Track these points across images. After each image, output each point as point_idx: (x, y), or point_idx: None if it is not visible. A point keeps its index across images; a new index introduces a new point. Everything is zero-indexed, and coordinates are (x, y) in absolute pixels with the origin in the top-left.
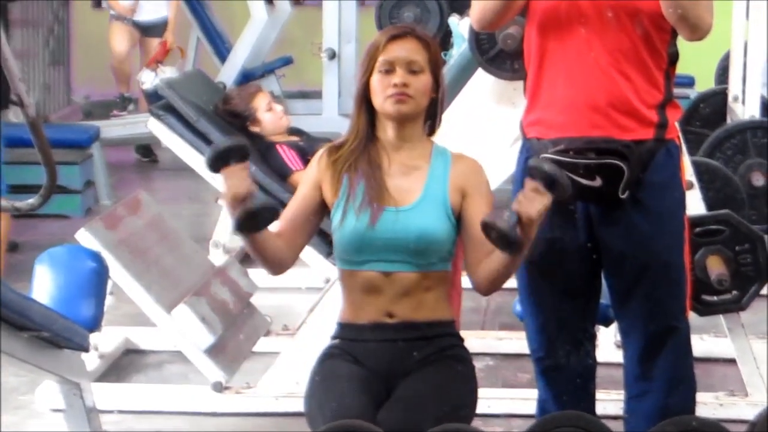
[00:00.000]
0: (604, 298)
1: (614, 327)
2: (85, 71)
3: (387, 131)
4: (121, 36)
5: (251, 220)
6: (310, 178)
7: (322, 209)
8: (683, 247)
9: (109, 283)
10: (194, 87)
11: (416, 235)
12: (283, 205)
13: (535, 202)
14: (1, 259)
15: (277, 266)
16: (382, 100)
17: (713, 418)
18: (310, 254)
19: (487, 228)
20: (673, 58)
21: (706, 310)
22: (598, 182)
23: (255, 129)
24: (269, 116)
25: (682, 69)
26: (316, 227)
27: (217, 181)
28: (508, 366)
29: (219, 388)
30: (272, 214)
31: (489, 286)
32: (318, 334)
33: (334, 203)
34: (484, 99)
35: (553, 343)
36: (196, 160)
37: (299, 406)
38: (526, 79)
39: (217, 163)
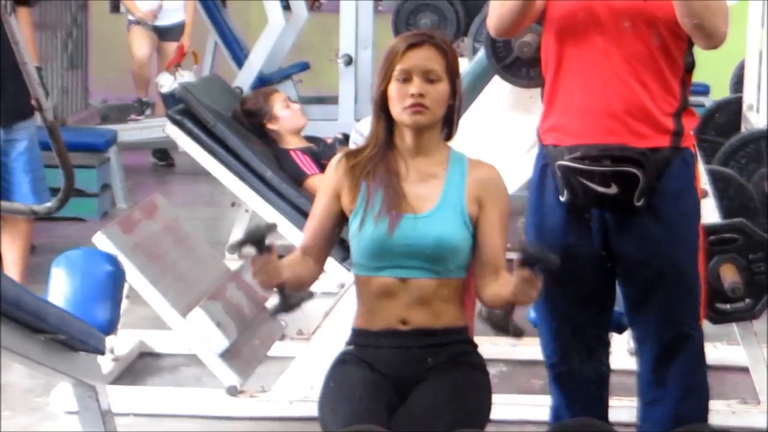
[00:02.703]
0: (618, 305)
1: (628, 334)
2: (102, 75)
3: (405, 139)
4: (142, 41)
5: (289, 310)
6: (328, 186)
7: (342, 218)
8: (698, 255)
9: (125, 287)
10: (212, 92)
11: (433, 242)
12: (298, 209)
13: (531, 292)
14: (23, 263)
15: (307, 284)
16: (399, 110)
17: (725, 426)
18: None
19: (484, 321)
20: (689, 66)
21: (719, 318)
22: (613, 189)
23: (273, 126)
24: (287, 113)
25: (697, 77)
26: (338, 236)
27: (235, 186)
28: (522, 372)
29: (234, 391)
30: (308, 298)
31: (492, 306)
32: (332, 339)
33: (352, 210)
34: (500, 106)
35: (566, 350)
36: (212, 164)
37: (313, 410)
38: (544, 86)
39: (242, 249)
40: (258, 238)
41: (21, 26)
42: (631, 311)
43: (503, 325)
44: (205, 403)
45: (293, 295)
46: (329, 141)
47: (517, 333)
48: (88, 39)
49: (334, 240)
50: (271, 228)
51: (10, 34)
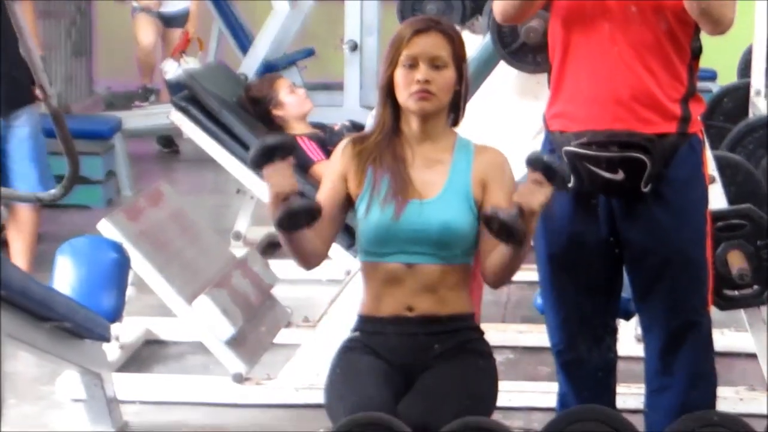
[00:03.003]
0: (626, 292)
1: (635, 321)
2: (107, 62)
3: (411, 125)
4: (147, 28)
5: (293, 219)
6: (335, 170)
7: (348, 203)
8: (705, 241)
9: (131, 274)
10: (217, 79)
11: (439, 227)
12: (303, 196)
13: (536, 194)
14: (31, 253)
15: (310, 261)
16: (405, 97)
17: (733, 412)
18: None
19: (490, 220)
20: (697, 52)
21: (727, 304)
22: (620, 176)
23: (278, 112)
24: (292, 98)
25: (704, 63)
26: (344, 219)
27: (240, 173)
28: (529, 359)
29: (239, 379)
30: (314, 213)
31: (496, 279)
32: (338, 326)
33: (358, 195)
34: (506, 92)
35: (574, 337)
36: (217, 151)
37: (319, 398)
38: (550, 71)
39: (261, 161)
40: (277, 147)
41: (23, 14)
42: (638, 298)
43: (510, 223)
44: (211, 390)
45: (301, 207)
46: (336, 128)
47: (518, 232)
48: (92, 26)
49: (338, 224)
50: (292, 143)
51: (13, 21)
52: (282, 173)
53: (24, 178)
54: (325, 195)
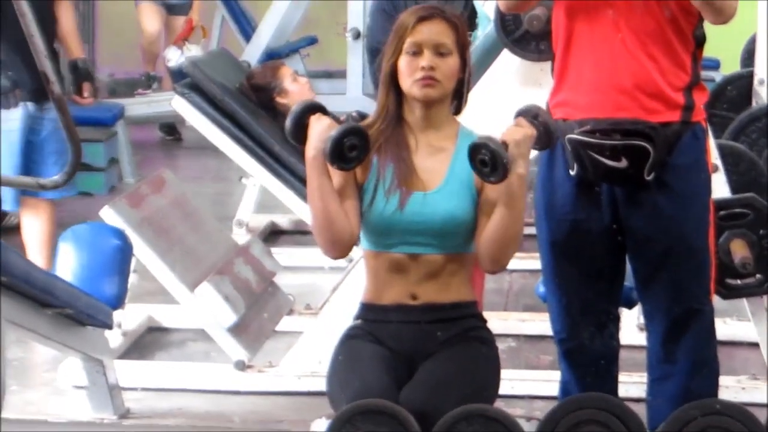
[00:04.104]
0: (628, 280)
1: (637, 309)
2: (109, 49)
3: (414, 112)
4: (151, 16)
5: (341, 140)
6: None
7: (358, 185)
8: (708, 230)
9: (133, 261)
10: (219, 66)
11: (441, 218)
12: (306, 183)
13: (519, 130)
14: (48, 249)
15: (338, 239)
16: (409, 84)
17: (735, 401)
18: None
19: (477, 148)
20: (700, 40)
21: (729, 293)
22: (623, 164)
23: (282, 100)
24: (296, 87)
25: (707, 52)
26: (359, 201)
27: (243, 160)
28: (531, 348)
29: (241, 366)
30: (360, 131)
31: (492, 256)
32: (341, 313)
33: (363, 182)
34: (509, 80)
35: (576, 325)
36: (220, 138)
37: (321, 385)
38: (554, 60)
39: (302, 119)
40: (313, 107)
41: (64, 17)
42: (640, 286)
43: (495, 149)
44: (213, 377)
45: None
46: (342, 119)
47: (503, 161)
48: (95, 13)
49: (357, 201)
50: (322, 105)
51: (16, 6)
52: (323, 119)
53: (47, 170)
54: (339, 175)
